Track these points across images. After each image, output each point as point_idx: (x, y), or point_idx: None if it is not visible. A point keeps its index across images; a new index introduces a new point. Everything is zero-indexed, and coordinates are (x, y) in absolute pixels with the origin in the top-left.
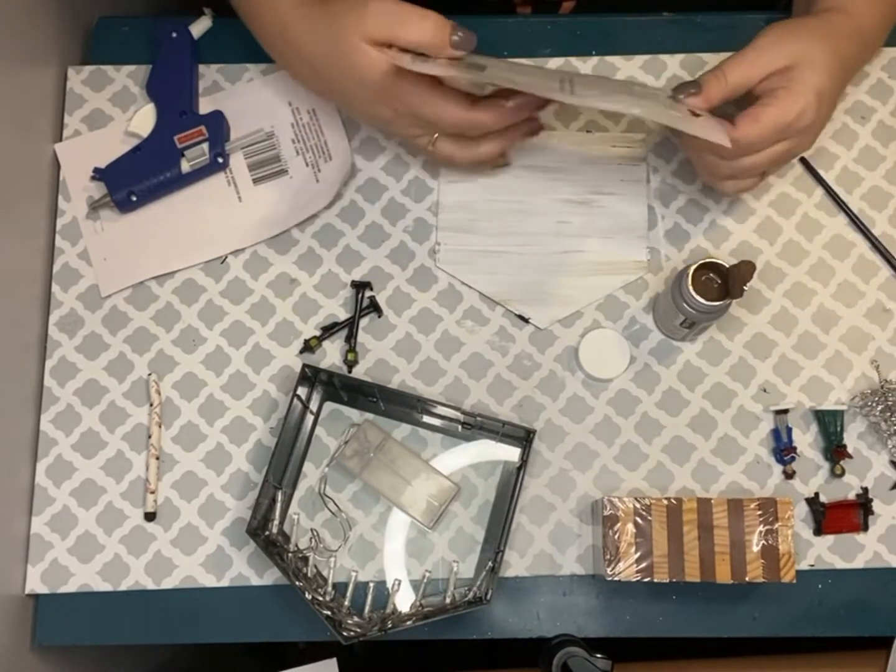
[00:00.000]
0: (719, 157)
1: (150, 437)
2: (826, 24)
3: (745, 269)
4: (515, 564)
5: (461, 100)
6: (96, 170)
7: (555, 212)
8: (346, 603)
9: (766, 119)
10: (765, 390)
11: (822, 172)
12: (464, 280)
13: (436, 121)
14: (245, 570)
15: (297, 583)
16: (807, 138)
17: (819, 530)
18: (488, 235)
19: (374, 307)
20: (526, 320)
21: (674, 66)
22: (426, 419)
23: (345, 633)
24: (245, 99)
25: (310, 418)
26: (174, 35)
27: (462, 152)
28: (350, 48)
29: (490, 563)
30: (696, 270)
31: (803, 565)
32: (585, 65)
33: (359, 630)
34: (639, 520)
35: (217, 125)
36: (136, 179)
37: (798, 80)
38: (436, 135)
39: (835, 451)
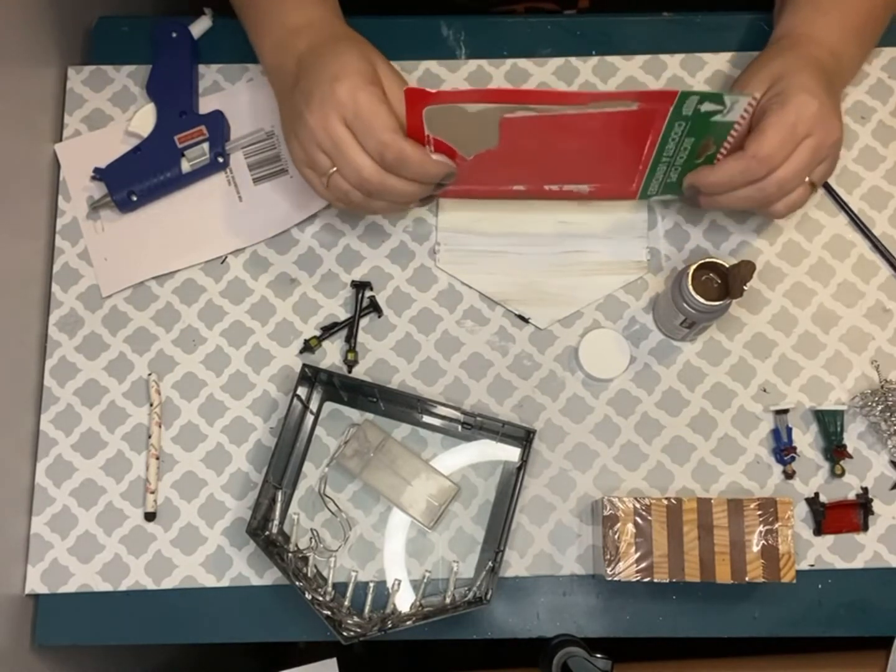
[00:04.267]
0: (753, 185)
1: (150, 437)
2: (794, 45)
3: (745, 269)
4: (515, 564)
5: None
6: (96, 170)
7: (555, 212)
8: (346, 603)
9: (770, 127)
10: (765, 390)
11: None
12: (463, 280)
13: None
14: (245, 570)
15: (297, 583)
16: (825, 126)
17: (819, 530)
18: (488, 236)
19: (374, 307)
20: (526, 320)
21: (674, 66)
22: (426, 419)
23: (345, 633)
24: (245, 99)
25: (310, 418)
26: (174, 35)
27: (358, 197)
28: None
29: (490, 563)
30: (696, 270)
31: (803, 565)
32: (586, 65)
33: (359, 630)
34: (639, 520)
35: (217, 125)
36: (136, 179)
37: (785, 88)
38: (333, 170)
39: (835, 451)
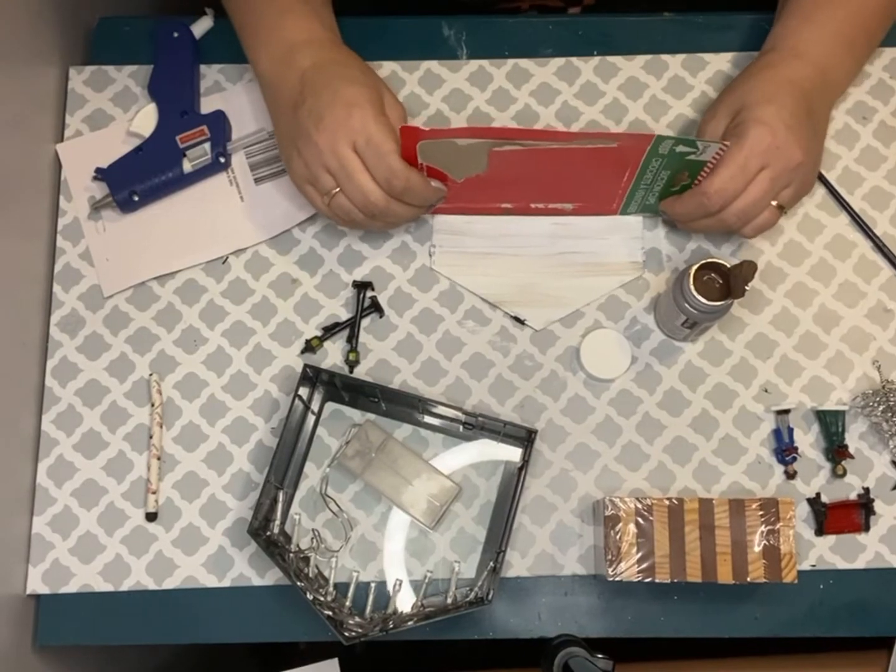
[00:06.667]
0: (713, 217)
1: (151, 437)
2: (777, 62)
3: (746, 270)
4: (517, 564)
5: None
6: (98, 170)
7: (550, 214)
8: (348, 603)
9: (721, 165)
10: (766, 390)
11: (823, 172)
12: (459, 282)
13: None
14: (246, 570)
15: (298, 583)
16: (782, 156)
17: (820, 530)
18: (483, 237)
19: (376, 307)
20: (522, 322)
21: (674, 66)
22: (427, 419)
23: (346, 634)
24: (246, 99)
25: (311, 418)
26: (175, 35)
27: (360, 217)
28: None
29: (491, 564)
30: (697, 270)
31: (805, 565)
32: (587, 65)
33: (360, 630)
34: (640, 520)
35: (219, 125)
36: (137, 179)
37: (742, 120)
38: (336, 189)
39: (836, 452)
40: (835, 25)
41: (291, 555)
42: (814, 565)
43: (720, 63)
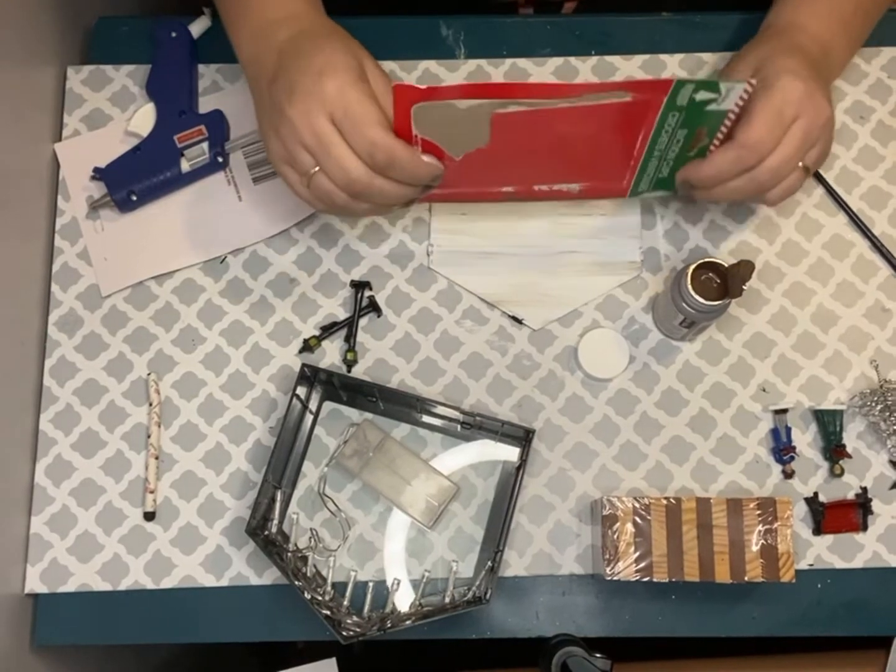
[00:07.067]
0: (746, 174)
1: (149, 436)
2: (779, 33)
3: (744, 269)
4: (515, 564)
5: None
6: (96, 169)
7: (548, 213)
8: (346, 602)
9: (757, 114)
10: (764, 390)
11: (821, 172)
12: (457, 282)
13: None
14: (244, 569)
15: (296, 582)
16: (813, 106)
17: (818, 530)
18: (481, 237)
19: (374, 307)
20: (520, 321)
21: (674, 66)
22: (425, 419)
23: (344, 633)
24: (244, 98)
25: (309, 418)
26: (173, 35)
27: (342, 199)
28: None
29: (489, 563)
30: (695, 270)
31: (802, 565)
32: (585, 64)
33: (358, 630)
34: (638, 519)
35: (217, 124)
36: (135, 179)
37: (769, 72)
38: (316, 168)
39: (834, 451)
40: (831, 4)
41: (289, 554)
42: (811, 565)
43: (718, 63)
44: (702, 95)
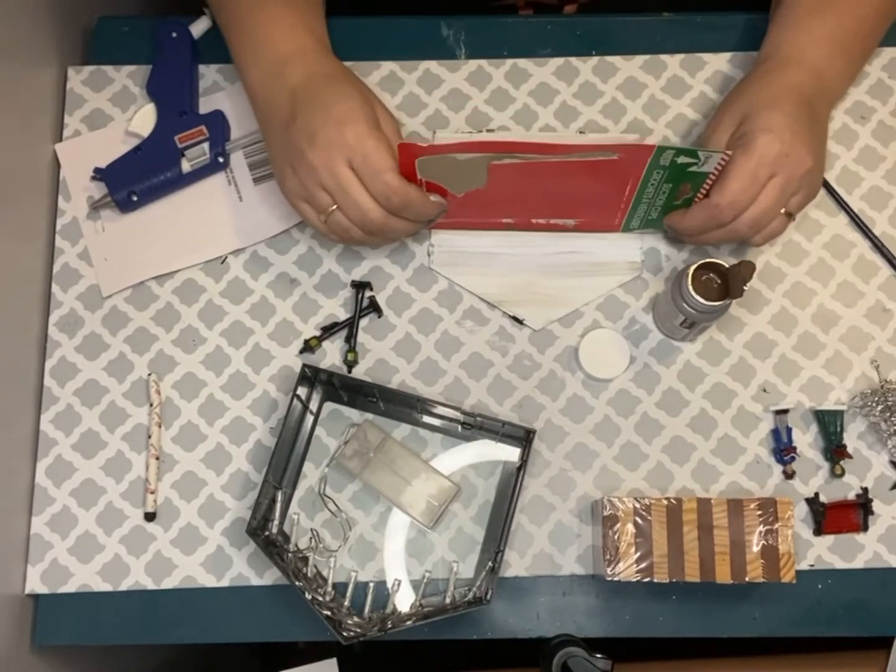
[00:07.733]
0: (724, 228)
1: (149, 437)
2: (775, 69)
3: (745, 269)
4: (515, 564)
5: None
6: (97, 170)
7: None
8: (346, 603)
9: (731, 175)
10: (765, 390)
11: None
12: (458, 282)
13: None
14: (245, 570)
15: (296, 583)
16: (791, 161)
17: (819, 530)
18: (482, 237)
19: (374, 307)
20: (520, 322)
21: (674, 65)
22: (426, 419)
23: (345, 634)
24: (245, 98)
25: (310, 418)
26: (174, 35)
27: (358, 234)
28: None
29: (490, 564)
30: (696, 270)
31: (803, 565)
32: (585, 65)
33: (359, 630)
34: (639, 520)
35: (217, 125)
36: (136, 179)
37: (749, 129)
38: (334, 207)
39: (835, 451)
40: (828, 31)
41: (290, 554)
42: (812, 565)
43: (719, 63)
44: (683, 160)
